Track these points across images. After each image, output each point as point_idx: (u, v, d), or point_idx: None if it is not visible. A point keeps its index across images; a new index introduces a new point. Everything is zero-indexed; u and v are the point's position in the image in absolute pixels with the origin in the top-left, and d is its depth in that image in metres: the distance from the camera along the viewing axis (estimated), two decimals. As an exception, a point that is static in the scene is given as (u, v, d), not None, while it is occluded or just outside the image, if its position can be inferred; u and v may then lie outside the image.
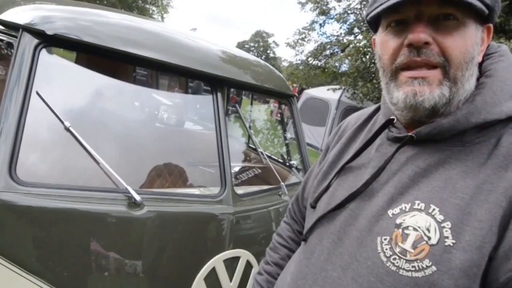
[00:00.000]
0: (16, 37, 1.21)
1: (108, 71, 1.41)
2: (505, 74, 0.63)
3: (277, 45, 60.36)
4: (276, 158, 2.34)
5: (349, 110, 9.67)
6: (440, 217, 0.58)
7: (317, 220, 0.74)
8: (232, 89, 2.03)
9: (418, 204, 0.60)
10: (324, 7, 12.52)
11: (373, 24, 0.72)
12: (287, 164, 2.25)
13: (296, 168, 2.15)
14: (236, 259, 1.37)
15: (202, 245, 1.31)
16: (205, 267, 1.28)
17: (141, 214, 1.17)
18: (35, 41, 1.19)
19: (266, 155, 2.27)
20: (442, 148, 0.63)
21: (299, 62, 13.93)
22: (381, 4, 0.63)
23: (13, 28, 1.25)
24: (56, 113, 1.16)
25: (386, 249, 0.60)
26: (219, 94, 1.48)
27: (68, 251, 1.08)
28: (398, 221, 0.61)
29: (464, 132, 0.62)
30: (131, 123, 1.44)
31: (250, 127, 2.93)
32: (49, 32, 1.18)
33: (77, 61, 1.87)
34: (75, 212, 1.08)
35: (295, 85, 14.71)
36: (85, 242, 1.10)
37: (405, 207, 0.62)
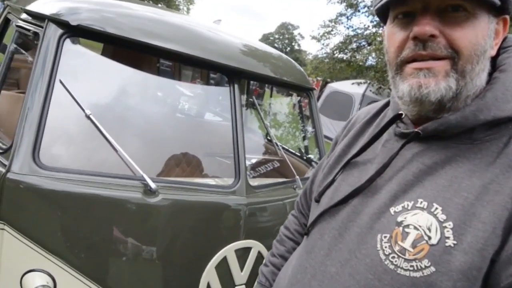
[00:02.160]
0: (42, 27, 1.26)
1: (129, 61, 1.45)
2: None
3: (302, 37, 59.66)
4: (294, 152, 2.33)
5: (374, 105, 9.45)
6: (442, 217, 0.56)
7: (320, 214, 0.74)
8: (253, 82, 2.03)
9: (421, 202, 0.59)
10: (352, 0, 12.24)
11: (382, 16, 0.70)
12: (305, 158, 2.24)
13: (315, 162, 2.14)
14: (247, 249, 1.39)
15: (214, 234, 1.33)
16: (216, 256, 1.31)
17: (156, 202, 1.20)
18: (60, 31, 1.24)
19: (284, 148, 2.27)
20: (450, 146, 0.61)
21: (324, 55, 13.74)
22: None
23: (39, 18, 1.31)
24: (78, 101, 1.21)
25: (386, 247, 0.60)
26: (236, 86, 1.49)
27: (85, 233, 1.13)
28: (399, 219, 0.60)
29: (473, 129, 0.60)
30: (151, 113, 1.48)
31: (270, 119, 2.93)
32: (73, 23, 1.22)
33: (103, 53, 1.93)
34: (92, 196, 1.13)
35: (319, 78, 14.53)
36: (102, 226, 1.14)
37: (408, 205, 0.61)
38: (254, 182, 1.51)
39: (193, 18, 2.22)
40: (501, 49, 0.65)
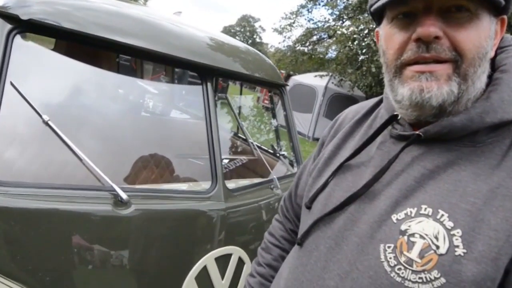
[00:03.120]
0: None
1: (89, 59, 1.32)
2: None
3: (263, 30, 59.70)
4: (266, 148, 2.29)
5: (336, 97, 9.67)
6: (449, 224, 0.53)
7: (313, 223, 0.69)
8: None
9: (425, 209, 0.56)
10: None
11: (377, 15, 0.66)
12: (278, 154, 2.20)
13: (284, 156, 2.10)
14: (227, 256, 1.33)
15: (192, 244, 1.26)
16: (196, 266, 1.24)
17: (128, 213, 1.11)
18: (8, 26, 1.09)
19: (257, 145, 2.21)
20: (451, 148, 0.59)
21: (286, 48, 13.81)
22: None
23: (-17, 11, 1.14)
24: (33, 105, 1.07)
25: (390, 258, 0.56)
26: (209, 84, 1.41)
27: (50, 254, 1.01)
28: (403, 227, 0.57)
29: (477, 132, 0.58)
30: (116, 115, 1.36)
31: (238, 114, 2.86)
32: (23, 17, 1.08)
33: (56, 49, 1.76)
34: (57, 212, 1.01)
35: (282, 71, 14.61)
36: (69, 245, 1.03)
37: (411, 212, 0.57)
38: (231, 185, 1.45)
39: (154, 10, 2.09)
40: (498, 49, 0.63)
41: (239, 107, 3.01)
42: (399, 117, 0.66)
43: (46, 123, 1.08)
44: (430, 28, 0.54)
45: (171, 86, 2.90)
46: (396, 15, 0.60)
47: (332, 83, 10.12)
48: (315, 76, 10.80)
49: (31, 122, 1.08)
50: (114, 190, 1.10)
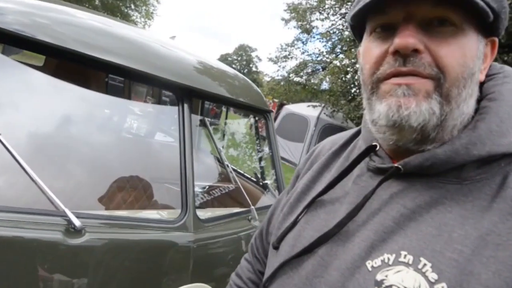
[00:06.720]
0: None
1: (54, 71, 1.24)
2: None
3: (259, 59, 61.03)
4: (249, 177, 2.19)
5: (328, 128, 9.70)
6: (433, 276, 0.44)
7: (279, 266, 0.60)
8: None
9: (405, 256, 0.47)
10: (307, 26, 12.67)
11: (358, 33, 0.60)
12: (261, 184, 2.10)
13: (266, 186, 2.00)
14: (194, 294, 1.20)
15: (156, 279, 1.13)
16: (156, 304, 1.11)
17: (80, 243, 0.99)
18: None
19: (239, 173, 2.12)
20: (435, 185, 0.50)
21: (280, 77, 14.01)
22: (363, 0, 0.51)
23: None
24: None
25: None
26: (185, 106, 1.33)
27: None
28: (379, 277, 0.48)
29: (462, 167, 0.50)
30: (78, 133, 1.26)
31: (227, 140, 2.78)
32: (-18, 24, 1.00)
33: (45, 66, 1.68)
34: (-4, 239, 0.89)
35: (275, 100, 14.74)
36: (8, 277, 0.90)
37: (388, 259, 0.48)
38: (204, 215, 1.34)
39: (146, 32, 2.04)
40: (486, 77, 0.56)
41: (227, 132, 2.94)
42: (377, 148, 0.58)
43: (-3, 138, 0.98)
44: (409, 39, 0.47)
45: (156, 108, 2.82)
46: (375, 28, 0.53)
47: (325, 113, 10.18)
48: (308, 106, 10.88)
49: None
50: (67, 216, 0.99)
